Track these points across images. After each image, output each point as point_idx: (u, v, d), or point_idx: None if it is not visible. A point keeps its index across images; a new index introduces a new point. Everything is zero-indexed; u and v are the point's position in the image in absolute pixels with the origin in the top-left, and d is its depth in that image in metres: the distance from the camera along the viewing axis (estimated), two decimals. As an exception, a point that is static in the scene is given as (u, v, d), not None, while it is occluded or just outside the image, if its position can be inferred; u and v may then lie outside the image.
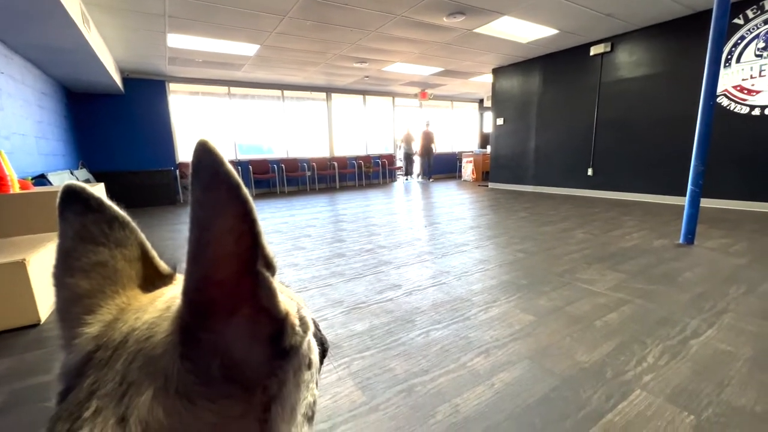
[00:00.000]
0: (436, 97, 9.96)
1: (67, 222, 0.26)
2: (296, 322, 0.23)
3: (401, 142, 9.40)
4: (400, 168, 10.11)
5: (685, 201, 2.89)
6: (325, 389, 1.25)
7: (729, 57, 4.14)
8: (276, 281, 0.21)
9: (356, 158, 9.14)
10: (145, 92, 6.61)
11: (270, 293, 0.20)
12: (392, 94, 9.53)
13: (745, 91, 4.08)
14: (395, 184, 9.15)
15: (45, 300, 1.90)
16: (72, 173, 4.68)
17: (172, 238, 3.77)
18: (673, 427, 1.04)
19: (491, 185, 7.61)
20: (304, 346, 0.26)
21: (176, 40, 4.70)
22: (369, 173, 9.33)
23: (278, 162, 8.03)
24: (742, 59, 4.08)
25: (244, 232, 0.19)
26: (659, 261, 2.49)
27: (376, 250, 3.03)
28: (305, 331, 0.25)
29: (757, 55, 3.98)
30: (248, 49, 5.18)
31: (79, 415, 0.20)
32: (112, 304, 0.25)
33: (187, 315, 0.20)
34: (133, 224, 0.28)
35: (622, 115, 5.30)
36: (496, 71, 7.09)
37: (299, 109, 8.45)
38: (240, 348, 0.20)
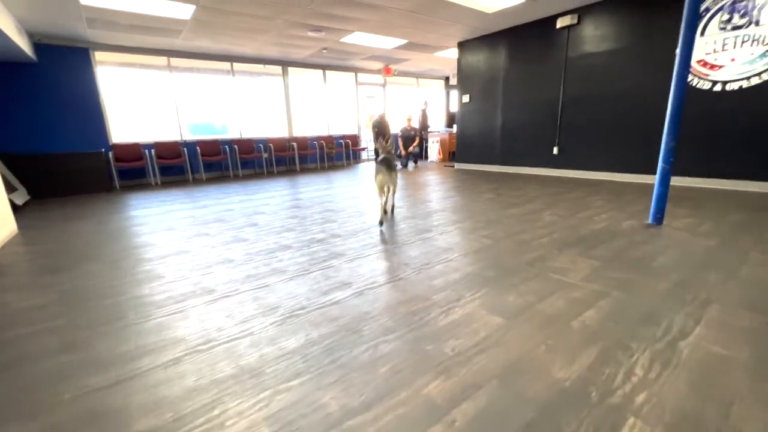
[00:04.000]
0: (401, 74, 9.50)
1: (376, 135, 6.00)
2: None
3: (407, 124, 7.64)
4: (365, 149, 9.63)
5: (647, 179, 2.76)
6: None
7: (693, 30, 4.03)
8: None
9: (318, 138, 8.59)
10: (65, 61, 5.68)
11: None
12: (354, 70, 8.96)
13: (708, 66, 4.01)
14: (360, 165, 8.72)
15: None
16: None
17: (97, 231, 3.20)
18: (679, 474, 0.80)
19: (457, 166, 7.39)
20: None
21: (89, -4, 3.95)
22: (332, 154, 8.82)
23: (230, 142, 7.34)
24: (707, 32, 3.98)
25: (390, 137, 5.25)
26: (631, 244, 2.33)
27: (329, 239, 2.67)
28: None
29: (721, 28, 3.89)
30: (181, 10, 4.48)
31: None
32: (382, 141, 3.53)
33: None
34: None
35: (587, 91, 5.16)
36: (462, 45, 6.75)
37: (253, 85, 7.73)
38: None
